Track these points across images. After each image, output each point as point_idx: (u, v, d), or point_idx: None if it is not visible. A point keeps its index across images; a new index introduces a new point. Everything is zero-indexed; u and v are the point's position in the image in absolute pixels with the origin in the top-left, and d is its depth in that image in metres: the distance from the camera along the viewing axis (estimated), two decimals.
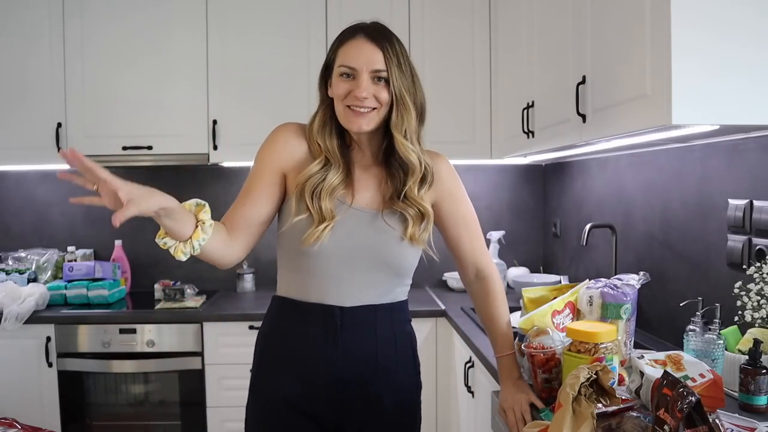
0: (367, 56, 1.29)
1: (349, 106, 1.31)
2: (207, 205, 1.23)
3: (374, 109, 1.31)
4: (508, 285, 2.93)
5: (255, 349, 1.46)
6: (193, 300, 2.74)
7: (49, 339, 2.51)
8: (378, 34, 1.32)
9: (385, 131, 1.37)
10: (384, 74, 1.30)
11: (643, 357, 1.32)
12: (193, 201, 1.23)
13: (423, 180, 1.37)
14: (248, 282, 3.05)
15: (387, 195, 1.37)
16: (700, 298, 1.65)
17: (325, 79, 1.38)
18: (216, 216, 1.23)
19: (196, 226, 1.21)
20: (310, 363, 1.36)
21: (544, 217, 3.20)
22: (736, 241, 1.63)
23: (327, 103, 1.38)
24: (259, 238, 1.39)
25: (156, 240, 1.20)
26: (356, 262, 1.35)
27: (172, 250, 1.20)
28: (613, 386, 1.16)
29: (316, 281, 1.36)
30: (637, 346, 1.71)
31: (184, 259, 1.22)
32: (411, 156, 1.33)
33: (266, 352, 1.42)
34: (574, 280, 2.53)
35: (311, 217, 1.31)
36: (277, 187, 1.37)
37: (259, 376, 1.43)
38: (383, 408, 1.40)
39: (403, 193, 1.35)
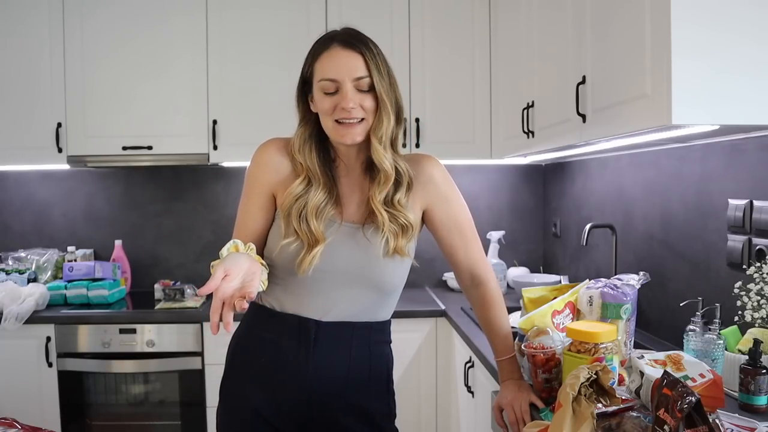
0: (346, 65, 1.25)
1: (337, 121, 1.27)
2: (235, 241, 1.25)
3: (362, 119, 1.28)
4: (508, 285, 2.94)
5: (227, 352, 1.44)
6: (193, 300, 2.74)
7: (49, 339, 2.51)
8: (353, 39, 1.28)
9: (368, 140, 1.33)
10: (367, 80, 1.26)
11: (643, 357, 1.31)
12: (229, 245, 1.24)
13: (398, 185, 1.32)
14: None
15: (370, 207, 1.33)
16: (700, 298, 1.64)
17: (304, 93, 1.35)
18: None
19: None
20: (280, 375, 1.34)
21: (544, 217, 3.20)
22: (736, 241, 1.63)
23: (307, 119, 1.35)
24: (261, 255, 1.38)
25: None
26: (339, 278, 1.32)
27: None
28: (613, 386, 1.16)
29: (295, 293, 1.34)
30: (637, 346, 1.71)
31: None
32: (384, 162, 1.30)
33: (237, 359, 1.41)
34: (574, 280, 2.53)
35: (300, 240, 1.29)
36: (268, 210, 1.36)
37: (229, 382, 1.41)
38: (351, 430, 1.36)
39: (383, 200, 1.31)
